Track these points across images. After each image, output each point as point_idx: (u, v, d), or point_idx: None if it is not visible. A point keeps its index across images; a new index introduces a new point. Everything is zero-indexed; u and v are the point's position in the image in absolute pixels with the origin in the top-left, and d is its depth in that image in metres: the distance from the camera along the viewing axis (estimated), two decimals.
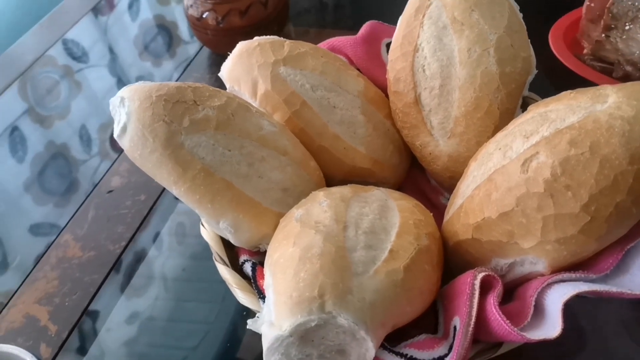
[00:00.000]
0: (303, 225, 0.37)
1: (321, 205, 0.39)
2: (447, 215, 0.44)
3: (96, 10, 1.00)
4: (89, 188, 0.67)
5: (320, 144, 0.49)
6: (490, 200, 0.37)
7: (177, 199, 0.43)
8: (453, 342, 0.35)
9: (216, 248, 0.44)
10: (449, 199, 0.47)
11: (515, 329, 0.33)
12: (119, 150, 0.71)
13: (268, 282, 0.37)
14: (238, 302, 0.41)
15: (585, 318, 0.48)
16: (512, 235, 0.36)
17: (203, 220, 0.44)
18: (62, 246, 0.60)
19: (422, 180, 0.55)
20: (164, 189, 0.66)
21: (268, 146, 0.43)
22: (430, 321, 0.39)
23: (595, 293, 0.34)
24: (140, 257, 0.59)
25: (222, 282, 0.43)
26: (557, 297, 0.34)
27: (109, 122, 0.75)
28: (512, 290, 0.39)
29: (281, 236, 0.38)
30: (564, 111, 0.36)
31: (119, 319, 0.53)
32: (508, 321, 0.33)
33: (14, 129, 0.77)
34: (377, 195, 0.43)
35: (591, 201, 0.32)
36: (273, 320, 0.33)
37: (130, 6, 1.01)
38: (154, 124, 0.39)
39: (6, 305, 0.55)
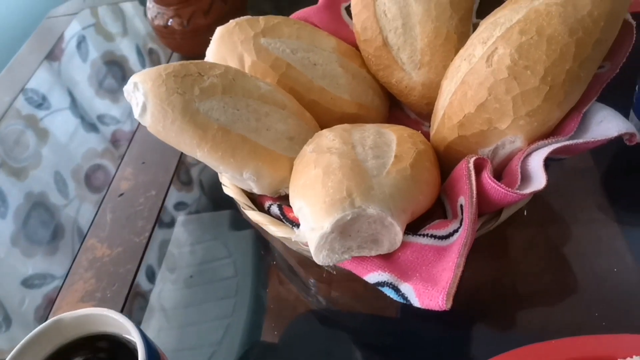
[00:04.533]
0: (318, 153, 0.43)
1: (327, 137, 0.46)
2: (433, 130, 0.51)
3: (48, 56, 1.02)
4: (73, 232, 0.68)
5: (310, 98, 0.55)
6: (467, 99, 0.44)
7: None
8: (462, 217, 0.41)
9: (242, 199, 0.49)
10: (429, 127, 0.54)
11: (510, 190, 0.40)
12: (96, 189, 0.73)
13: (299, 206, 0.42)
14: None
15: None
16: (491, 121, 0.43)
17: (227, 176, 0.50)
18: (89, 249, 0.65)
19: (403, 117, 0.62)
20: (170, 183, 0.71)
21: (268, 102, 0.49)
22: (439, 213, 0.46)
23: (567, 148, 0.41)
24: (164, 247, 0.63)
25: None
26: (538, 158, 0.41)
27: (81, 164, 0.77)
28: (500, 174, 0.46)
29: (301, 167, 0.44)
30: (509, 14, 0.44)
31: (159, 304, 0.57)
32: (503, 185, 0.40)
33: None
34: (370, 125, 0.49)
35: (547, 73, 0.40)
36: (313, 226, 0.39)
37: (78, 47, 1.03)
38: (170, 97, 0.45)
39: (51, 310, 0.59)
